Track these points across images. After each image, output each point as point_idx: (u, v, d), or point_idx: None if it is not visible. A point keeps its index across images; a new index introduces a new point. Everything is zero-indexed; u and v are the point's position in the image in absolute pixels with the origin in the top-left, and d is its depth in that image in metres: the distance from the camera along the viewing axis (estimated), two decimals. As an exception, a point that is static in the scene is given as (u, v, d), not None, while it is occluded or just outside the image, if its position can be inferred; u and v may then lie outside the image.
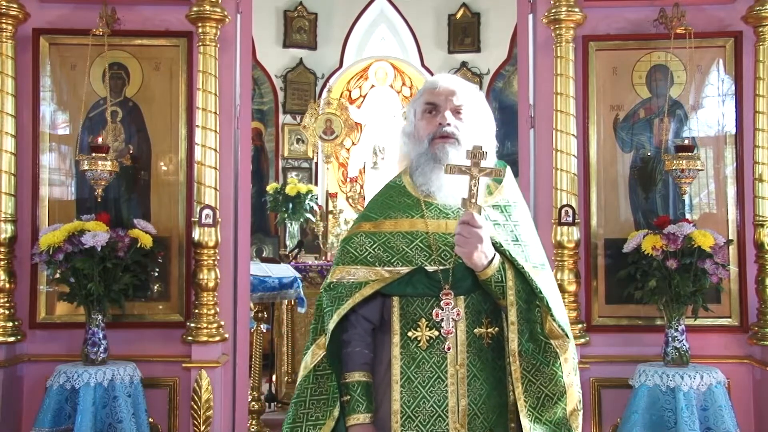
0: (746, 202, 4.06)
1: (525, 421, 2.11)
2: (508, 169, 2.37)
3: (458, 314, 2.16)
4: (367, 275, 2.19)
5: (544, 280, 2.18)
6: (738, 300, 4.07)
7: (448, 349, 2.15)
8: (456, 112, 2.25)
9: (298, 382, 2.28)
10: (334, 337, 2.22)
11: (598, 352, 4.06)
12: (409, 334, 2.18)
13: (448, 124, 2.22)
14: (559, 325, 2.13)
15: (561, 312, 2.18)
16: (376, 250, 2.21)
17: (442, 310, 2.15)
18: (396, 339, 2.19)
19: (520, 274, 2.15)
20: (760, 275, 3.96)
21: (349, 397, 2.19)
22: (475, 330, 2.18)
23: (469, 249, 2.07)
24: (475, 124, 2.27)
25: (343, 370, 2.22)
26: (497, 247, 2.15)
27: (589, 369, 4.03)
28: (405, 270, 2.17)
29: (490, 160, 2.28)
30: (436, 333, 2.16)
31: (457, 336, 2.16)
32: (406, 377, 2.17)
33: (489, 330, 2.19)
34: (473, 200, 2.06)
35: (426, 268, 2.17)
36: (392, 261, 2.19)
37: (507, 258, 2.15)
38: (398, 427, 2.15)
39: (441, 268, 2.17)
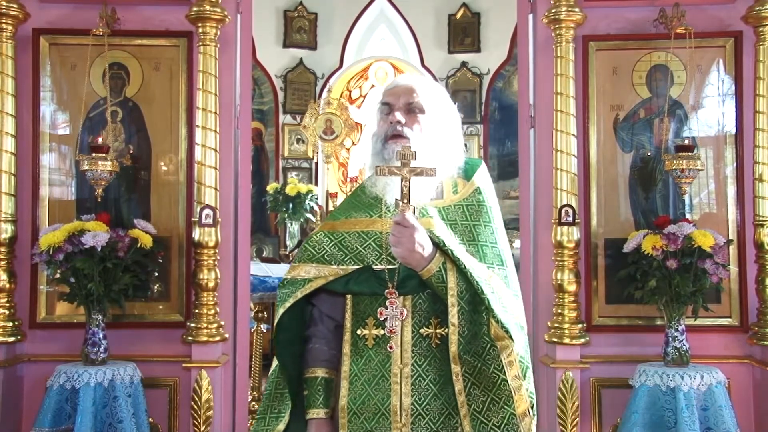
0: (746, 202, 4.06)
1: (467, 427, 2.09)
2: (483, 168, 2.36)
3: (402, 314, 2.16)
4: (320, 273, 2.22)
5: (497, 281, 2.16)
6: (738, 300, 4.07)
7: (390, 348, 2.16)
8: (409, 110, 2.24)
9: (269, 376, 2.33)
10: (300, 333, 2.26)
11: (598, 352, 4.06)
12: (358, 332, 2.20)
13: (398, 122, 2.21)
14: (503, 326, 2.08)
15: (510, 314, 2.14)
16: (332, 248, 2.23)
17: (387, 309, 2.16)
18: (347, 336, 2.21)
19: (466, 275, 2.12)
20: (760, 275, 3.96)
21: (306, 391, 2.23)
22: (422, 330, 2.17)
23: (401, 249, 2.07)
24: (432, 121, 2.25)
25: (304, 366, 2.25)
26: (440, 246, 2.13)
27: (589, 369, 4.03)
28: (354, 268, 2.19)
29: (458, 158, 2.29)
30: (382, 331, 2.17)
31: (402, 335, 2.16)
32: (354, 374, 2.19)
33: (438, 331, 2.16)
34: (405, 200, 2.05)
35: (374, 266, 2.18)
36: (345, 259, 2.20)
37: (450, 258, 2.12)
38: (345, 423, 2.17)
39: (389, 267, 2.17)
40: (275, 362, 2.31)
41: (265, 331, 5.83)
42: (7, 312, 3.94)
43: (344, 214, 2.31)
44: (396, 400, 2.14)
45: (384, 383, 2.16)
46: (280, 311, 2.22)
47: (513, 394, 2.09)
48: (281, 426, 2.25)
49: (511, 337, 2.09)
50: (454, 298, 2.11)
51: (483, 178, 2.34)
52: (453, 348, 2.10)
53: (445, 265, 2.12)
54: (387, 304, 2.16)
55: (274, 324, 2.26)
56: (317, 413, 2.20)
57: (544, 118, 4.15)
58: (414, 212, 2.08)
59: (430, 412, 2.14)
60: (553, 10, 4.03)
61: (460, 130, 2.37)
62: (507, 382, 2.09)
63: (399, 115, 2.22)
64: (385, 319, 2.16)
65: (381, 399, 2.15)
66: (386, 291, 2.16)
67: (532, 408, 2.12)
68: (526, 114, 4.33)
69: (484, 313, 2.10)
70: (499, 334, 2.09)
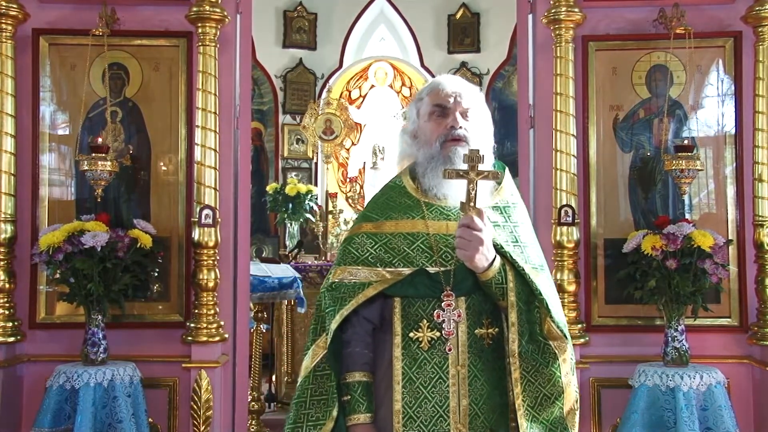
0: (746, 202, 4.06)
1: (522, 421, 2.13)
2: (507, 170, 2.38)
3: (459, 315, 2.17)
4: (369, 276, 2.20)
5: (543, 281, 2.20)
6: (738, 300, 4.07)
7: (449, 350, 2.16)
8: (464, 114, 2.25)
9: (298, 383, 2.29)
10: (334, 338, 2.22)
11: (598, 352, 4.06)
12: (411, 335, 2.19)
13: (460, 127, 2.23)
14: (558, 326, 2.15)
15: (559, 313, 2.19)
16: (377, 250, 2.22)
17: (443, 311, 2.16)
18: (397, 340, 2.20)
19: (520, 276, 2.16)
20: (760, 275, 3.96)
21: (349, 397, 2.20)
22: (476, 331, 2.20)
23: (470, 252, 2.08)
24: (481, 125, 2.29)
25: (343, 370, 2.23)
26: (498, 248, 2.16)
27: (588, 369, 4.03)
28: (407, 271, 2.18)
29: (489, 162, 2.28)
30: (438, 334, 2.17)
31: (458, 337, 2.17)
32: (407, 378, 2.18)
33: (489, 331, 2.21)
34: (472, 203, 2.07)
35: (427, 269, 2.18)
36: (393, 262, 2.20)
37: (507, 259, 2.16)
38: (400, 428, 2.16)
39: (442, 269, 2.18)
40: (305, 369, 2.25)
41: (264, 331, 5.83)
42: (6, 312, 3.94)
43: (381, 215, 2.29)
44: (454, 401, 2.16)
45: (441, 385, 2.17)
46: (338, 318, 2.18)
47: (564, 390, 2.16)
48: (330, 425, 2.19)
49: (565, 336, 2.16)
50: (514, 298, 2.15)
51: (511, 182, 2.38)
52: (514, 347, 2.14)
53: (505, 267, 2.15)
54: (443, 306, 2.16)
55: (329, 330, 2.19)
56: (363, 418, 2.18)
57: (544, 119, 4.15)
58: (482, 215, 2.09)
59: (484, 411, 2.18)
60: (553, 11, 4.03)
61: (492, 133, 2.38)
62: (560, 378, 2.15)
63: (460, 119, 2.23)
64: (442, 322, 2.16)
65: (439, 401, 2.16)
66: (443, 294, 2.17)
67: (576, 402, 2.20)
68: (525, 114, 4.33)
69: (535, 312, 2.16)
70: (554, 332, 2.15)
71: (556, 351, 2.15)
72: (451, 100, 2.25)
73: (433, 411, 2.15)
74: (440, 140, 2.23)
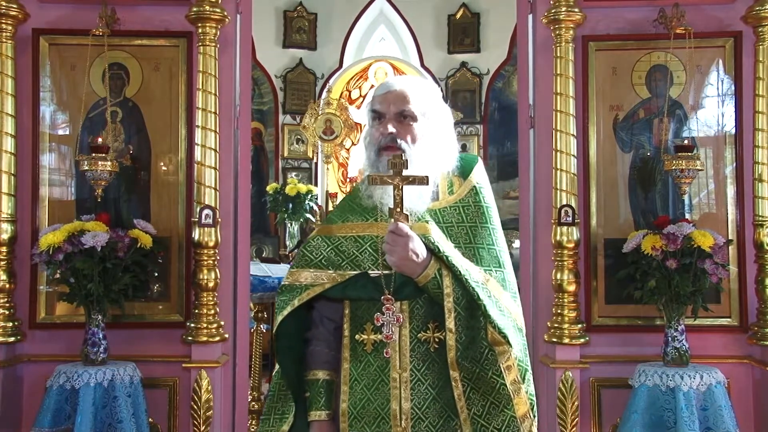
0: (746, 202, 4.06)
1: (467, 430, 2.11)
2: (479, 165, 2.34)
3: (399, 320, 2.16)
4: (318, 278, 2.22)
5: (494, 284, 2.16)
6: (738, 300, 4.07)
7: (387, 354, 2.16)
8: (401, 116, 2.21)
9: (272, 377, 2.36)
10: (299, 335, 2.29)
11: (598, 352, 4.06)
12: (357, 337, 2.21)
13: (390, 133, 2.19)
14: (500, 332, 2.08)
15: (508, 317, 2.14)
16: (329, 253, 2.23)
17: (383, 314, 2.16)
18: (346, 341, 2.22)
19: (461, 280, 2.11)
20: (760, 275, 3.96)
21: (308, 393, 2.25)
22: (419, 335, 2.17)
23: (395, 257, 2.07)
24: (425, 127, 2.23)
25: (306, 368, 2.28)
26: (436, 252, 2.12)
27: (588, 369, 4.03)
28: (352, 274, 2.19)
29: (452, 158, 2.28)
30: (380, 337, 2.17)
31: (400, 341, 2.17)
32: (354, 378, 2.20)
33: (436, 335, 2.17)
34: (398, 209, 2.05)
35: (370, 272, 2.18)
36: (342, 264, 2.21)
37: (446, 264, 2.12)
38: (346, 427, 2.19)
39: (384, 273, 2.17)
40: (276, 365, 2.32)
41: (264, 331, 5.83)
42: (6, 312, 3.94)
43: (341, 217, 2.31)
44: (395, 405, 2.15)
45: (383, 388, 2.17)
46: (279, 319, 2.24)
47: (512, 397, 2.11)
48: (285, 427, 2.27)
49: (508, 342, 2.10)
50: (451, 304, 2.11)
51: (480, 176, 2.32)
52: (451, 354, 2.10)
53: (441, 272, 2.11)
54: (384, 310, 2.16)
55: (274, 330, 2.27)
56: (319, 415, 2.23)
57: (544, 118, 4.15)
58: (408, 220, 2.08)
59: (429, 415, 2.16)
60: (553, 11, 4.03)
61: (453, 128, 2.34)
62: (506, 386, 2.11)
63: (390, 127, 2.20)
64: (382, 325, 2.16)
65: (381, 404, 2.16)
66: (383, 297, 2.16)
67: (532, 410, 2.15)
68: (525, 114, 4.33)
69: (481, 317, 2.10)
70: (496, 339, 2.09)
71: (499, 357, 2.10)
72: (386, 105, 2.22)
73: (376, 413, 2.16)
74: (374, 148, 2.23)
